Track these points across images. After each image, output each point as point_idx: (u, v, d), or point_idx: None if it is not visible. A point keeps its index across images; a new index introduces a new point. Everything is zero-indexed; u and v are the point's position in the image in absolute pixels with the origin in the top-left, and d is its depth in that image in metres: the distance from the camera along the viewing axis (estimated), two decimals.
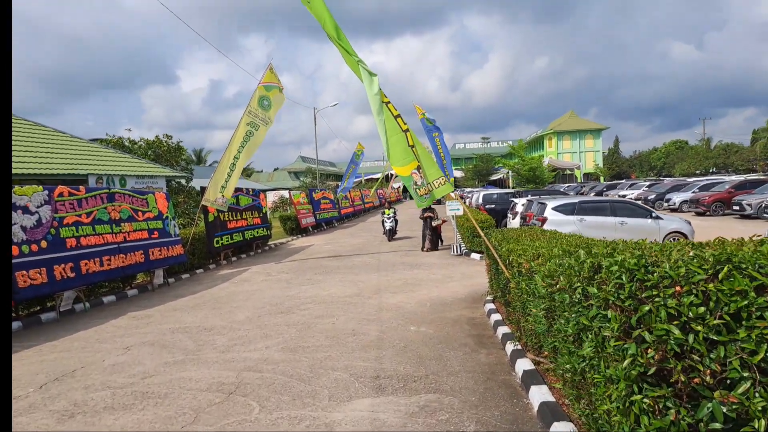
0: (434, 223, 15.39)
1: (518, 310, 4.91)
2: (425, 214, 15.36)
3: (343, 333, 6.67)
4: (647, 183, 37.12)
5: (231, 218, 15.41)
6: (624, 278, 2.16)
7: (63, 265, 8.78)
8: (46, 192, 8.75)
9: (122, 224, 10.54)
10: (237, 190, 16.36)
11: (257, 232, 17.21)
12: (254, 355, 5.82)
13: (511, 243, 5.60)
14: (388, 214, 18.92)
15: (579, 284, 2.61)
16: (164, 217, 12.22)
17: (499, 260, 5.41)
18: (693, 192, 27.17)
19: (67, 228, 9.07)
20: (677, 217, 15.18)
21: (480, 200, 24.27)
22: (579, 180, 65.15)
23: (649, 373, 1.95)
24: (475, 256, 13.68)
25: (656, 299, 1.98)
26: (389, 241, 18.20)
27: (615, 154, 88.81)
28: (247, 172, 76.15)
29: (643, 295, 2.06)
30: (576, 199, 14.42)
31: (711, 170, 65.49)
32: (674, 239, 13.27)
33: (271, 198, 30.24)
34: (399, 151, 7.44)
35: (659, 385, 1.95)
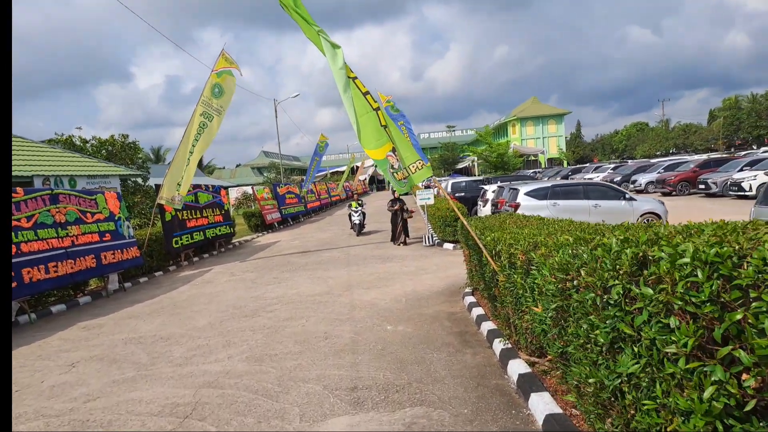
0: (405, 216, 14.54)
1: (509, 306, 4.44)
2: (395, 207, 14.45)
3: (314, 336, 6.11)
4: (612, 165, 37.59)
5: (190, 216, 14.55)
6: (700, 274, 1.66)
7: None
8: None
9: (69, 227, 9.64)
10: (196, 186, 15.50)
11: (219, 230, 16.37)
12: (215, 368, 5.20)
13: (496, 231, 5.13)
14: (356, 207, 17.84)
15: (617, 282, 2.10)
16: (116, 218, 11.33)
17: (484, 251, 4.92)
18: (658, 172, 27.53)
19: None
20: (649, 197, 15.13)
21: (449, 189, 23.96)
22: (543, 165, 65.89)
23: (747, 409, 1.46)
24: (447, 246, 13.28)
25: (755, 304, 1.49)
26: (357, 235, 17.30)
27: (577, 139, 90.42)
28: (209, 169, 74.20)
29: (730, 298, 1.57)
30: (548, 184, 14.18)
31: (671, 151, 67.25)
32: (648, 220, 13.19)
33: (234, 194, 29.18)
34: (370, 132, 6.64)
35: (749, 421, 1.48)
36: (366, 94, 6.39)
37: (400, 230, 14.37)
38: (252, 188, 24.51)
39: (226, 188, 19.26)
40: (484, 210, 17.48)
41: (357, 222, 17.52)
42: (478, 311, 6.38)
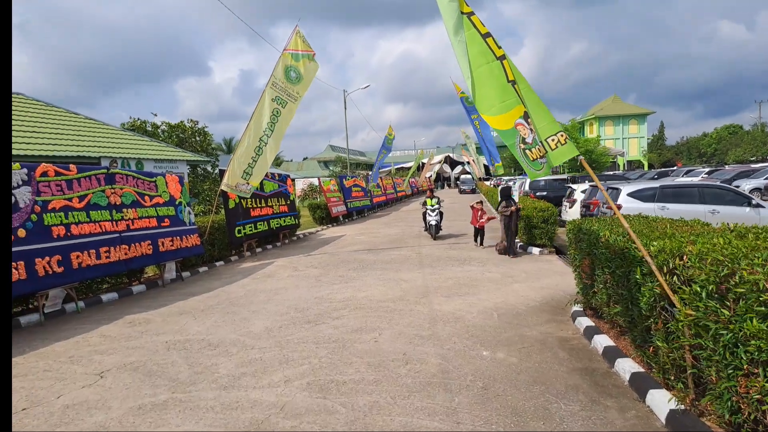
0: (500, 215, 11.86)
1: (688, 352, 2.97)
2: (510, 208, 11.59)
3: (391, 359, 4.85)
4: (706, 170, 33.96)
5: (255, 205, 13.77)
6: None
7: (48, 258, 7.22)
8: (25, 170, 7.15)
9: (125, 210, 8.95)
10: None
11: (284, 221, 15.55)
12: (268, 397, 4.04)
13: (659, 238, 3.65)
14: (432, 205, 14.88)
15: None
16: (177, 202, 10.62)
17: (652, 265, 3.40)
18: (766, 178, 24.28)
19: (53, 214, 7.49)
20: None
21: (526, 188, 22.19)
22: (622, 168, 61.58)
23: None
24: (533, 250, 11.69)
25: None
26: (434, 238, 14.64)
27: (660, 141, 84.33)
28: (277, 161, 75.20)
29: None
30: (656, 184, 12.23)
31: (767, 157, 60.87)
32: None
33: (300, 185, 28.65)
34: (492, 91, 4.65)
35: None
36: (486, 36, 4.60)
37: (511, 237, 11.55)
38: (318, 179, 23.73)
39: (291, 178, 18.48)
40: (571, 212, 15.67)
41: (434, 223, 14.77)
42: (602, 340, 4.88)
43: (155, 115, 24.98)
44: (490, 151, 18.52)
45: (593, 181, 18.58)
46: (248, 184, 11.29)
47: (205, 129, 25.12)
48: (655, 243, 3.54)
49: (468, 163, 62.64)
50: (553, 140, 4.54)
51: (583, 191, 15.97)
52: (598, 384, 4.06)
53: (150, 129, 23.93)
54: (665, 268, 3.30)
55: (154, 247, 9.48)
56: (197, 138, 25.04)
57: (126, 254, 8.73)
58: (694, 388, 3.23)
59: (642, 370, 4.04)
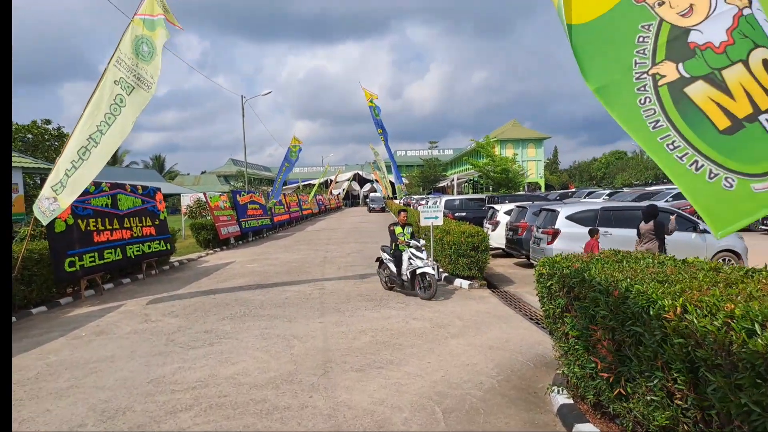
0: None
1: None
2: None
3: None
4: (607, 191, 34.67)
5: (101, 227, 10.27)
6: None
7: None
8: None
9: None
10: (115, 186, 11.28)
11: (149, 247, 12.08)
12: None
13: None
14: (406, 238, 8.66)
15: None
16: None
17: None
18: (666, 201, 24.70)
19: None
20: None
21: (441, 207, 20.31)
22: (523, 189, 63.34)
23: None
24: (461, 282, 9.52)
25: None
26: (429, 298, 8.17)
27: (554, 164, 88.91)
28: (170, 175, 68.72)
29: None
30: (596, 206, 10.61)
31: (651, 181, 65.65)
32: (725, 259, 9.88)
33: (187, 201, 24.76)
34: None
35: None
36: None
37: None
38: (204, 194, 20.16)
39: (165, 193, 14.98)
40: (494, 235, 13.81)
41: (431, 271, 8.23)
42: None
43: None
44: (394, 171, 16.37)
45: (513, 201, 16.83)
46: (56, 201, 7.85)
47: (64, 131, 20.68)
48: None
49: (376, 181, 61.21)
50: None
51: (508, 212, 14.26)
52: None
53: None
54: None
55: None
56: (54, 143, 20.54)
57: None
58: None
59: None
